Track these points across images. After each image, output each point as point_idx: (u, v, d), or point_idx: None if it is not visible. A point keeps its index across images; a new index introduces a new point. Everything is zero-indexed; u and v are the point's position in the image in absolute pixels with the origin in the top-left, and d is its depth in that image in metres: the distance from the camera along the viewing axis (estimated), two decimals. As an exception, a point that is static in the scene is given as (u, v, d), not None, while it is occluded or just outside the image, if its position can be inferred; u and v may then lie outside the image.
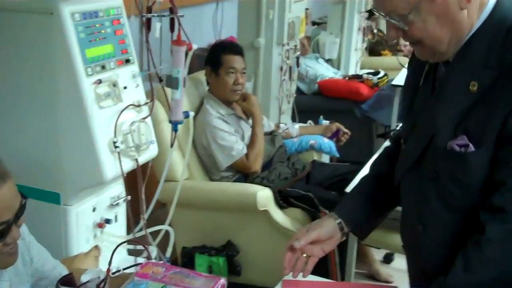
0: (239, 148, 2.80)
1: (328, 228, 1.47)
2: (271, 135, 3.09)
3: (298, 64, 3.69)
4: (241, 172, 2.85)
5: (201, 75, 3.04)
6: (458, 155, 1.21)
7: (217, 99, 2.89)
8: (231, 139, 2.80)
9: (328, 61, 4.92)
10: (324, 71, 4.62)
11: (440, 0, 1.17)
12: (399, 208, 2.44)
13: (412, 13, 1.19)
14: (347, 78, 4.60)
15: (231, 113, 2.91)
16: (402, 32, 1.24)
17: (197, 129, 2.76)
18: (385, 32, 6.19)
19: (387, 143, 3.11)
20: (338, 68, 5.00)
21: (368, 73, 4.56)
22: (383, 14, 1.23)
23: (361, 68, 5.27)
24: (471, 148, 1.19)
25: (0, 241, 1.26)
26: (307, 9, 3.95)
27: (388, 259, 3.32)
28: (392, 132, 2.95)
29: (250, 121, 2.98)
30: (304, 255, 1.43)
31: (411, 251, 1.47)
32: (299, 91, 4.24)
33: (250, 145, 2.85)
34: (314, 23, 5.52)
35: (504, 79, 1.16)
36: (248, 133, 2.92)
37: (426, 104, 1.32)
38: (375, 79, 4.40)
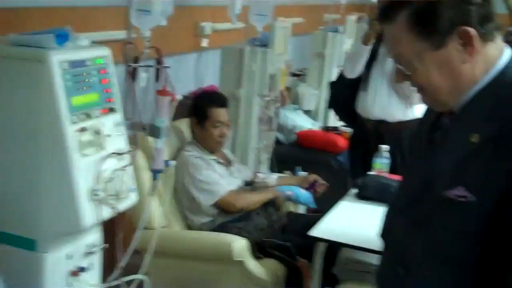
0: (223, 183, 2.83)
1: None
2: (252, 186, 3.11)
3: (278, 115, 3.75)
4: (225, 212, 2.84)
5: (181, 123, 3.07)
6: (456, 204, 1.19)
7: (201, 146, 2.94)
8: (214, 176, 2.84)
9: (307, 112, 4.99)
10: (303, 122, 4.68)
11: (443, 51, 1.21)
12: (369, 260, 2.47)
13: (416, 60, 1.23)
14: (324, 129, 4.67)
15: (212, 158, 2.94)
16: (408, 77, 1.28)
17: (178, 170, 2.80)
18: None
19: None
20: (316, 120, 5.08)
21: (345, 126, 4.63)
22: (391, 58, 1.29)
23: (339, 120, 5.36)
24: (471, 198, 1.17)
25: None
26: (287, 60, 4.04)
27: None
28: (359, 181, 2.97)
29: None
30: None
31: None
32: (277, 140, 4.28)
33: (255, 192, 2.96)
34: (293, 74, 5.62)
35: (507, 132, 1.16)
36: (227, 179, 2.93)
37: (423, 152, 1.34)
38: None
